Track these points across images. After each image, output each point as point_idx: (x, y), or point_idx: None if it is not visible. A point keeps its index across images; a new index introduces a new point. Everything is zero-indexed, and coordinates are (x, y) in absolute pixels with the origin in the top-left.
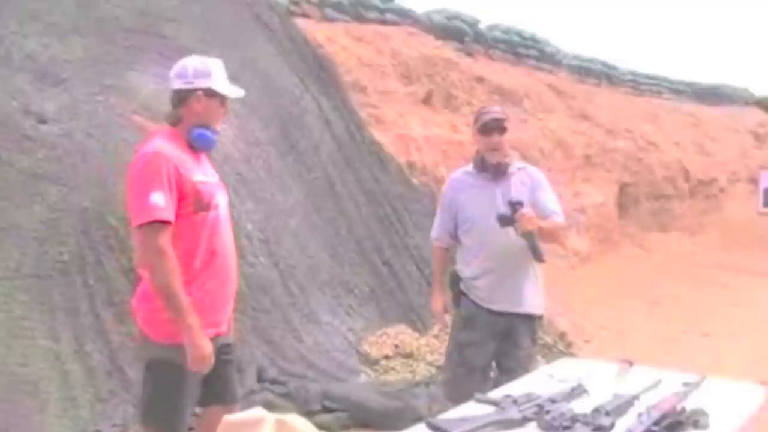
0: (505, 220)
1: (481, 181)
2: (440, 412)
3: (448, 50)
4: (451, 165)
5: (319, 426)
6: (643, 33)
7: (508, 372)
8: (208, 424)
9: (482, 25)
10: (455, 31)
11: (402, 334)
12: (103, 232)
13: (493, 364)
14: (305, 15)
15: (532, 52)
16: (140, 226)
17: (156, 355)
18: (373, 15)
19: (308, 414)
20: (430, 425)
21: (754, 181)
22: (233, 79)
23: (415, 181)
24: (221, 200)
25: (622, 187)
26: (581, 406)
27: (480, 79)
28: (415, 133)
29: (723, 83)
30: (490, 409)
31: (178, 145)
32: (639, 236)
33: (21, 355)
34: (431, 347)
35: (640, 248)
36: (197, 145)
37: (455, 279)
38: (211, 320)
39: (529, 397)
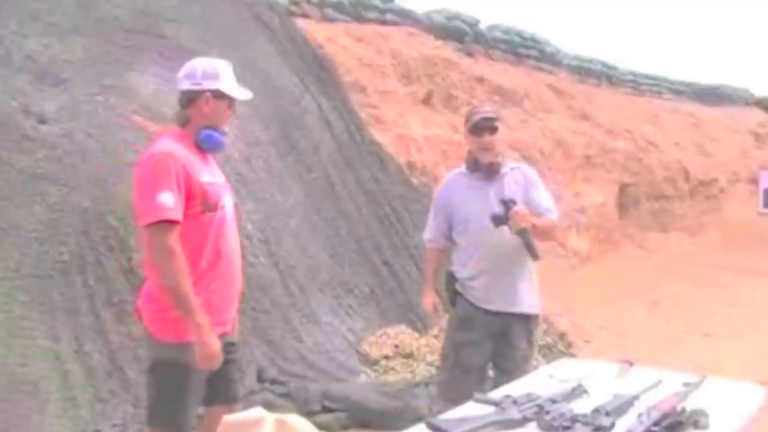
0: (499, 220)
1: (474, 181)
2: (440, 412)
3: (448, 50)
4: (451, 165)
5: (319, 426)
6: (643, 33)
7: (505, 372)
8: (209, 423)
9: (482, 26)
10: (455, 32)
11: (402, 334)
12: (103, 232)
13: (491, 364)
14: (305, 15)
15: (533, 52)
16: (148, 226)
17: (161, 355)
18: (373, 15)
19: (308, 414)
20: (430, 425)
21: (754, 181)
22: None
23: (415, 181)
24: (227, 201)
25: (623, 188)
26: (581, 407)
27: (480, 80)
28: (415, 133)
29: (723, 83)
30: (490, 409)
31: (186, 145)
32: (639, 236)
33: (21, 355)
34: (431, 347)
35: (640, 248)
36: (205, 146)
37: (451, 279)
38: (216, 320)
39: (529, 398)
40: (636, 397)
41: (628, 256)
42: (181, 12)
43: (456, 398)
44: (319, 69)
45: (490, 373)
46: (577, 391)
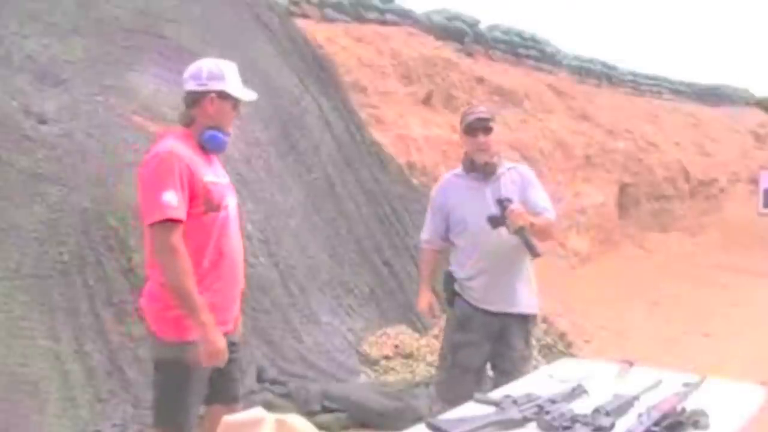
0: (496, 221)
1: (470, 182)
2: (440, 412)
3: (448, 51)
4: (450, 165)
5: (319, 426)
6: (643, 33)
7: (503, 373)
8: (210, 423)
9: (482, 26)
10: (455, 32)
11: (402, 334)
12: (103, 233)
13: (489, 365)
14: (305, 15)
15: (533, 52)
16: (152, 225)
17: (163, 355)
18: (373, 15)
19: (308, 414)
20: (429, 425)
21: (754, 181)
22: None
23: (415, 181)
24: (231, 201)
25: (623, 188)
26: (581, 407)
27: (480, 80)
28: (415, 133)
29: (723, 84)
30: (490, 409)
31: (190, 145)
32: (639, 237)
33: (21, 355)
34: (431, 347)
35: (640, 249)
36: (209, 147)
37: (449, 279)
38: (218, 319)
39: (529, 398)
40: (636, 398)
41: (628, 257)
42: (181, 12)
43: (454, 399)
44: (319, 69)
45: (490, 373)
46: (577, 392)
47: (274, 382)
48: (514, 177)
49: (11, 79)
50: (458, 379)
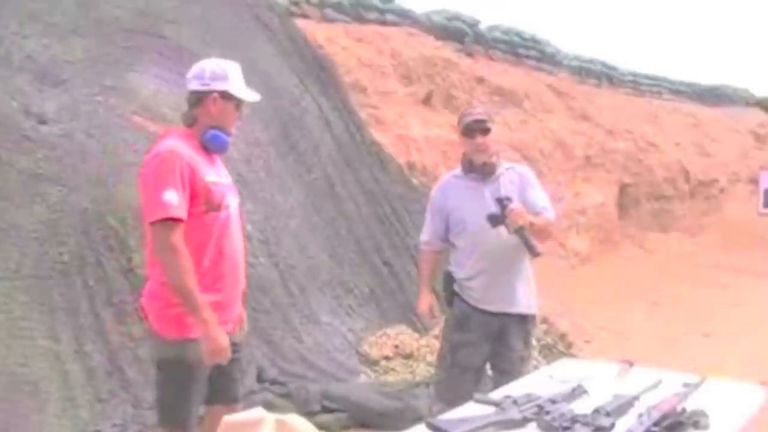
0: (496, 219)
1: (469, 182)
2: (440, 412)
3: (448, 51)
4: (451, 165)
5: (319, 426)
6: (643, 33)
7: (502, 373)
8: (210, 423)
9: (482, 26)
10: (455, 32)
11: (402, 334)
12: (103, 233)
13: (489, 365)
14: (305, 15)
15: (533, 52)
16: (153, 224)
17: (166, 354)
18: (373, 15)
19: (308, 414)
20: (430, 425)
21: (754, 181)
22: None
23: (415, 181)
24: (232, 201)
25: (623, 188)
26: (581, 407)
27: (480, 80)
28: (415, 133)
29: (723, 84)
30: (491, 409)
31: (192, 145)
32: (639, 237)
33: (21, 355)
34: (431, 348)
35: (640, 249)
36: (211, 147)
37: (449, 279)
38: (219, 319)
39: (529, 398)
40: (636, 398)
41: (628, 257)
42: (181, 13)
43: (453, 399)
44: (319, 69)
45: (490, 373)
46: (577, 392)
47: (274, 382)
48: (513, 177)
49: (11, 80)
50: (457, 379)
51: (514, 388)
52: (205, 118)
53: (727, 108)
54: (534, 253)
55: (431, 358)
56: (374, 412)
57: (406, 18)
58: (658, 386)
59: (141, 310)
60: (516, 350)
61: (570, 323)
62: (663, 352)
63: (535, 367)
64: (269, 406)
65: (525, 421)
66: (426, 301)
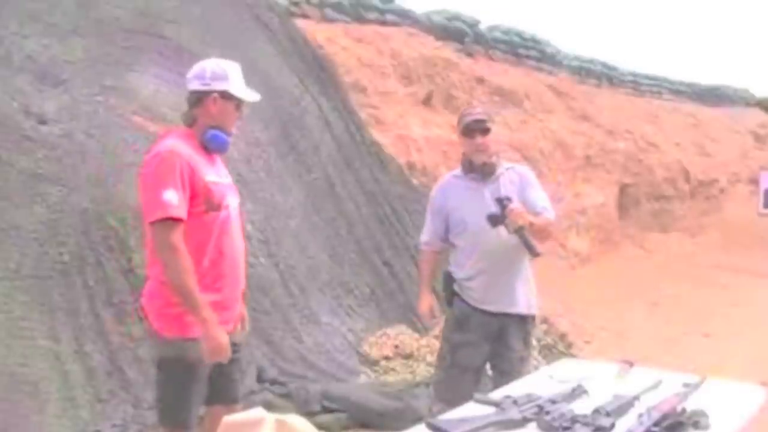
0: (495, 219)
1: (469, 182)
2: (440, 412)
3: (448, 51)
4: (451, 165)
5: (319, 426)
6: (643, 33)
7: (502, 374)
8: (209, 423)
9: (482, 26)
10: (455, 32)
11: (402, 334)
12: (103, 233)
13: (489, 365)
14: (305, 15)
15: (533, 52)
16: (153, 223)
17: (166, 353)
18: (373, 15)
19: (308, 414)
20: (430, 426)
21: (754, 181)
22: None
23: (415, 181)
24: (232, 201)
25: (623, 188)
26: (581, 407)
27: (480, 80)
28: (415, 133)
29: (723, 84)
30: (491, 409)
31: (192, 145)
32: (639, 237)
33: (21, 356)
34: (431, 348)
35: (640, 249)
36: (211, 146)
37: (449, 279)
38: (219, 319)
39: (529, 398)
40: (636, 398)
41: (628, 257)
42: (181, 13)
43: (452, 399)
44: (319, 69)
45: (490, 373)
46: (577, 392)
47: (274, 382)
48: (513, 177)
49: (11, 80)
50: (456, 379)
51: (514, 388)
52: (205, 118)
53: (727, 108)
54: (534, 253)
55: (431, 358)
56: (374, 412)
57: (406, 18)
58: (658, 386)
59: (141, 309)
60: (515, 350)
61: (570, 323)
62: (663, 353)
63: (535, 367)
64: (269, 406)
65: (525, 421)
66: (426, 302)
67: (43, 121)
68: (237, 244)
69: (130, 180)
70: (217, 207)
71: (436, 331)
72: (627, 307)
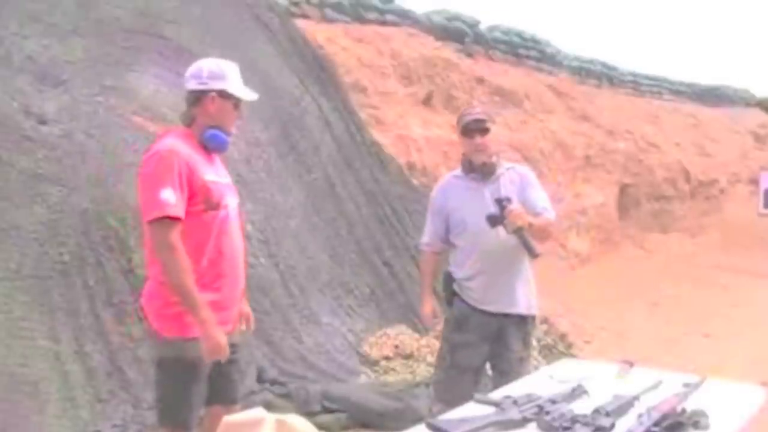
0: (494, 220)
1: (469, 182)
2: (440, 412)
3: (448, 51)
4: (451, 166)
5: (319, 426)
6: (643, 34)
7: (501, 374)
8: (209, 424)
9: (482, 26)
10: (455, 32)
11: (402, 334)
12: (103, 233)
13: (489, 365)
14: (305, 16)
15: (533, 53)
16: (150, 222)
17: (166, 353)
18: (373, 16)
19: (308, 414)
20: (430, 426)
21: (754, 182)
22: None
23: (415, 181)
24: (231, 201)
25: (623, 188)
26: (581, 407)
27: (480, 80)
28: (416, 133)
29: (723, 84)
30: (491, 409)
31: (190, 144)
32: (639, 237)
33: (21, 356)
34: (431, 348)
35: (640, 249)
36: (210, 146)
37: (449, 279)
38: (218, 319)
39: (529, 398)
40: (636, 398)
41: (628, 257)
42: (181, 13)
43: (452, 399)
44: (319, 69)
45: (490, 373)
46: (578, 392)
47: (274, 382)
48: (513, 177)
49: (11, 80)
50: (456, 380)
51: (514, 389)
52: (204, 117)
53: (728, 108)
54: (532, 254)
55: (431, 358)
56: (374, 412)
57: (406, 18)
58: (658, 386)
59: (141, 309)
60: (514, 351)
61: (570, 323)
62: (663, 353)
63: (535, 368)
64: (269, 407)
65: (525, 421)
66: (429, 305)
67: (43, 122)
68: (236, 243)
69: (130, 180)
70: (215, 206)
71: (436, 331)
72: (627, 308)
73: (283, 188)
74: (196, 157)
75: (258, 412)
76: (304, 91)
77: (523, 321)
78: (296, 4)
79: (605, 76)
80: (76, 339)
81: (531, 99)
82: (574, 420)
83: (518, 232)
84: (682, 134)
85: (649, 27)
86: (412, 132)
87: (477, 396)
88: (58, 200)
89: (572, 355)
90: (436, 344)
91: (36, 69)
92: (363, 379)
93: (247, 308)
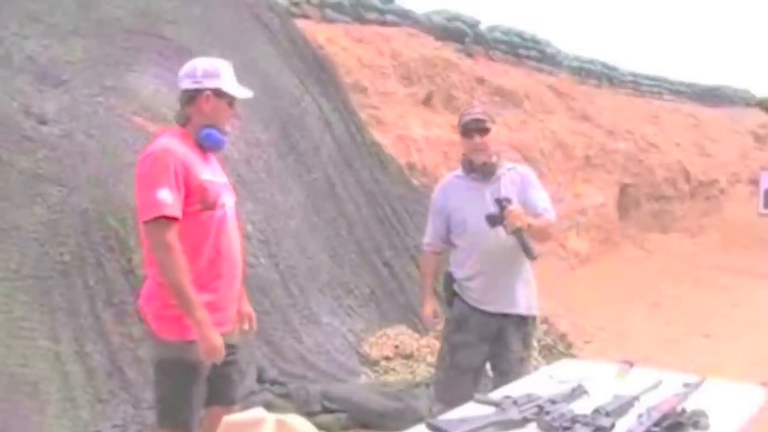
0: (494, 220)
1: (470, 183)
2: (440, 412)
3: (448, 51)
4: (451, 166)
5: (319, 426)
6: (643, 34)
7: (501, 374)
8: (208, 424)
9: (483, 26)
10: (455, 32)
11: (402, 335)
12: (103, 233)
13: (488, 366)
14: (305, 16)
15: (533, 53)
16: (147, 222)
17: (165, 355)
18: (373, 16)
19: (308, 415)
20: (430, 426)
21: (754, 182)
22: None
23: (415, 182)
24: (228, 200)
25: (623, 188)
26: (581, 407)
27: (480, 80)
28: (416, 134)
29: (724, 84)
30: (491, 409)
31: (186, 144)
32: (639, 237)
33: (21, 356)
34: (431, 348)
35: (640, 249)
36: (206, 145)
37: (449, 279)
38: (215, 319)
39: (529, 398)
40: (636, 398)
41: (628, 257)
42: (181, 13)
43: (452, 399)
44: (319, 70)
45: (490, 373)
46: (578, 392)
47: (274, 382)
48: (514, 177)
49: (12, 80)
50: (456, 380)
51: (514, 389)
52: (199, 116)
53: (728, 108)
54: (530, 255)
55: (431, 358)
56: (374, 412)
57: (406, 18)
58: (658, 386)
59: (139, 311)
60: (514, 351)
61: (570, 323)
62: (663, 353)
63: (535, 368)
64: (269, 407)
65: (525, 421)
66: (430, 306)
67: (43, 122)
68: (234, 243)
69: (130, 180)
70: (212, 206)
71: (436, 331)
72: (627, 308)
73: (283, 188)
74: (192, 157)
75: (258, 412)
76: (304, 91)
77: (523, 321)
78: (296, 4)
79: (605, 76)
80: (76, 339)
81: (531, 99)
82: (574, 420)
83: (517, 232)
84: (682, 134)
85: (649, 27)
86: (412, 132)
87: (477, 396)
88: (58, 200)
89: (572, 356)
90: (436, 344)
91: (36, 69)
92: (363, 379)
93: (249, 309)
